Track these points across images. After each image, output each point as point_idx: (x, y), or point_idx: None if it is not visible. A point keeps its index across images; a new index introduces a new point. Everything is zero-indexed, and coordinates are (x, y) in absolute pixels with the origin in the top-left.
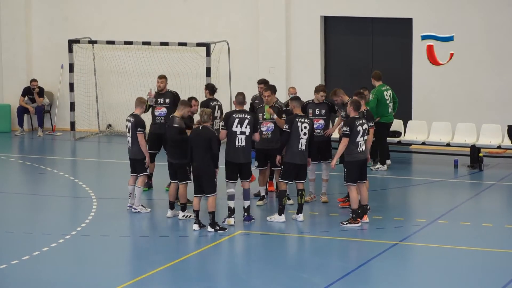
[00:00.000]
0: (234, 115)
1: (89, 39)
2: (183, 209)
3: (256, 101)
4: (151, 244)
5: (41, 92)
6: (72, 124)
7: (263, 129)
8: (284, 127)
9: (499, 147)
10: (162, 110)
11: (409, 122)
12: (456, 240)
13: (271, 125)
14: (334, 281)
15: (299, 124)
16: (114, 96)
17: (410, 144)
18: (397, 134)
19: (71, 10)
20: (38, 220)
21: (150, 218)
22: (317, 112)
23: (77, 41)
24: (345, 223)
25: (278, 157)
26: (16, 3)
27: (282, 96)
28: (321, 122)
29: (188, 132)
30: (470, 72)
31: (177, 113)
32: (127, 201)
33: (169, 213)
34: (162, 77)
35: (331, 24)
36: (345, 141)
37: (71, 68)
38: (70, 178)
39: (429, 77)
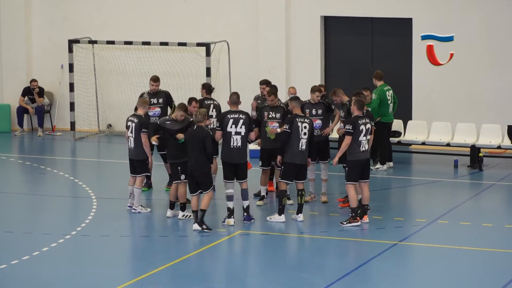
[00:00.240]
0: (228, 116)
1: (89, 39)
2: (183, 208)
3: (258, 101)
4: (151, 244)
5: (41, 92)
6: (72, 124)
7: (271, 127)
8: (284, 127)
9: (499, 147)
10: (156, 110)
11: (409, 122)
12: (456, 240)
13: (276, 125)
14: (334, 281)
15: (299, 124)
16: (114, 96)
17: (410, 144)
18: (397, 134)
19: (71, 10)
20: (38, 220)
21: (150, 218)
22: (313, 112)
23: (77, 41)
24: (345, 223)
25: (279, 157)
26: (16, 3)
27: (282, 96)
28: (318, 122)
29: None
30: (470, 72)
31: (172, 115)
32: (127, 201)
33: (169, 213)
34: (157, 80)
35: (331, 24)
36: (348, 139)
37: (71, 68)
38: (70, 178)
39: (429, 77)
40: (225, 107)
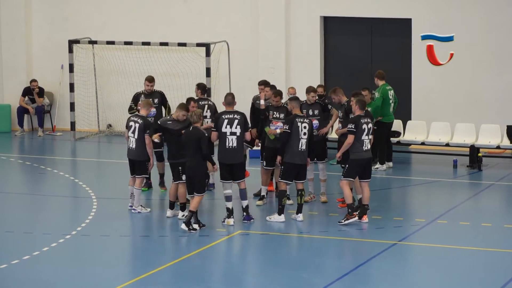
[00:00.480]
0: (223, 116)
1: (89, 39)
2: (183, 208)
3: (257, 101)
4: (151, 244)
5: (41, 92)
6: (72, 124)
7: (272, 127)
8: (284, 127)
9: (498, 147)
10: (152, 110)
11: (409, 122)
12: (455, 240)
13: (280, 125)
14: (333, 280)
15: (299, 124)
16: (114, 96)
17: (410, 144)
18: (396, 134)
19: (71, 11)
20: (38, 220)
21: (149, 218)
22: (310, 112)
23: (77, 41)
24: (343, 221)
25: (279, 158)
26: (16, 3)
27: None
28: (315, 122)
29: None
30: (470, 72)
31: (174, 115)
32: (127, 201)
33: (169, 212)
34: (152, 81)
35: (330, 25)
36: (350, 138)
37: (71, 68)
38: (70, 178)
39: (429, 77)
40: (221, 108)
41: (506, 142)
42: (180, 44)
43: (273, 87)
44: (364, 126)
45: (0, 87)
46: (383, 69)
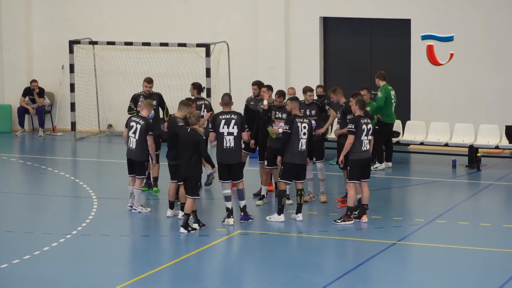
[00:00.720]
0: (220, 117)
1: (89, 40)
2: (183, 208)
3: (251, 102)
4: (151, 243)
5: (41, 92)
6: (73, 124)
7: (275, 127)
8: (284, 127)
9: (497, 147)
10: (150, 112)
11: (408, 123)
12: (454, 240)
13: (282, 125)
14: (332, 280)
15: (299, 124)
16: (115, 97)
17: (409, 144)
18: (395, 134)
19: (72, 11)
20: (39, 219)
21: (150, 218)
22: (307, 112)
23: (77, 41)
24: (338, 221)
25: (279, 158)
26: (16, 4)
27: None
28: (312, 122)
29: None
30: (468, 73)
31: (179, 114)
32: (127, 201)
33: (169, 212)
34: (151, 82)
35: (330, 25)
36: (350, 138)
37: (71, 68)
38: (70, 178)
39: (428, 77)
40: (217, 106)
41: (505, 142)
42: (180, 45)
43: (269, 87)
44: (364, 126)
45: (1, 87)
46: (382, 69)
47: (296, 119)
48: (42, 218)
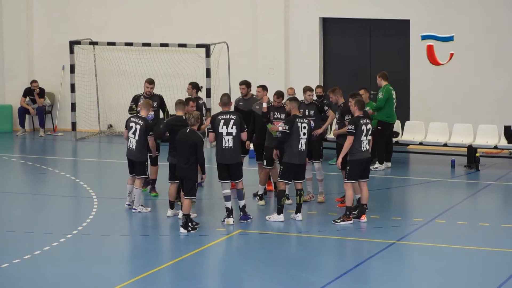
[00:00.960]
0: (219, 117)
1: (90, 41)
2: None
3: (240, 103)
4: (151, 243)
5: (42, 93)
6: (73, 125)
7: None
8: (284, 127)
9: (495, 147)
10: (150, 113)
11: (407, 123)
12: (453, 239)
13: (281, 124)
14: (332, 280)
15: (299, 124)
16: (115, 97)
17: (408, 145)
18: (395, 134)
19: (72, 12)
20: (39, 219)
21: (150, 218)
22: (306, 112)
23: (78, 42)
24: (338, 221)
25: (275, 151)
26: (17, 5)
27: None
28: (311, 122)
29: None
30: (467, 73)
31: (179, 114)
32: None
33: (169, 212)
34: (152, 83)
35: (329, 26)
36: (350, 139)
37: (72, 69)
38: (71, 178)
39: (427, 78)
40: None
41: (503, 142)
42: (180, 45)
43: (264, 87)
44: (364, 127)
45: (2, 88)
46: (381, 70)
47: (297, 120)
48: (42, 217)
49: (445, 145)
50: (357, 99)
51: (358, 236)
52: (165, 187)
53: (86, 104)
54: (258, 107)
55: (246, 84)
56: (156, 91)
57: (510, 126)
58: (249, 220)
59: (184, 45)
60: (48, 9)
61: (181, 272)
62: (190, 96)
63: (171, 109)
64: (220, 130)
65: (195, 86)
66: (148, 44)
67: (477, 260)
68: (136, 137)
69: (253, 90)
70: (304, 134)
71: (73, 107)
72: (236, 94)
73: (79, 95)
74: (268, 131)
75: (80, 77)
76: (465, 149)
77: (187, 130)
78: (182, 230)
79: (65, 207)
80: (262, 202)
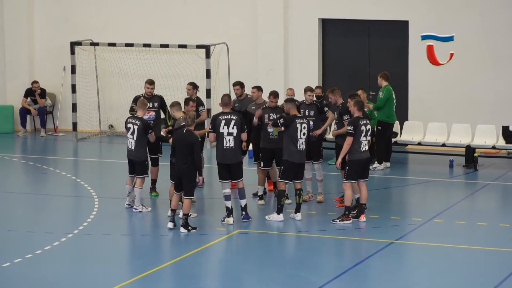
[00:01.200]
0: (221, 117)
1: (90, 41)
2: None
3: (236, 104)
4: (151, 242)
5: (43, 93)
6: (74, 125)
7: (270, 130)
8: (283, 128)
9: (493, 147)
10: (151, 114)
11: (405, 123)
12: (451, 239)
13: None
14: (331, 279)
15: (298, 125)
16: (115, 97)
17: (407, 145)
18: (393, 134)
19: (73, 13)
20: (40, 219)
21: (150, 217)
22: (306, 113)
23: (79, 43)
24: (337, 221)
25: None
26: (18, 6)
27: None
28: (310, 122)
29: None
30: (465, 74)
31: (178, 115)
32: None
33: (170, 212)
34: (153, 83)
35: (328, 27)
36: (349, 140)
37: (73, 69)
38: (72, 177)
39: (425, 78)
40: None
41: (501, 142)
42: (180, 46)
43: (259, 88)
44: (363, 127)
45: (3, 89)
46: (380, 70)
47: (296, 120)
48: (43, 217)
49: (444, 145)
50: (356, 100)
51: (357, 236)
52: (165, 187)
53: (87, 105)
54: (253, 107)
55: (240, 84)
56: (156, 91)
57: (508, 126)
58: (249, 219)
59: (184, 46)
60: (49, 10)
61: (181, 271)
62: (190, 96)
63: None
64: (221, 130)
65: (195, 86)
66: (148, 45)
67: (476, 259)
68: (135, 138)
69: (249, 91)
70: (304, 134)
71: (74, 107)
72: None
73: (80, 95)
74: (263, 133)
75: (81, 78)
76: (464, 149)
77: (184, 131)
78: (182, 229)
79: (66, 207)
80: (261, 202)
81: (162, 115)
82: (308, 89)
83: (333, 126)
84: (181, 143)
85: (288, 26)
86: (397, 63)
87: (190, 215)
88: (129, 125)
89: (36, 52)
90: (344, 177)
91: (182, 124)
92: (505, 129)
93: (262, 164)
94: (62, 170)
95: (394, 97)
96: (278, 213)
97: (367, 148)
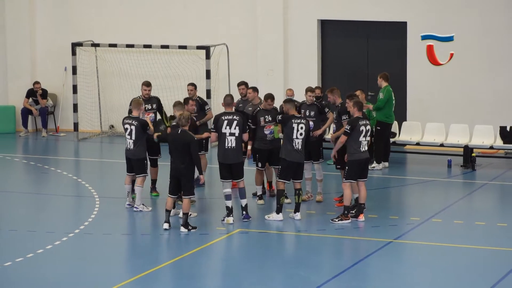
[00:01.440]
0: (223, 117)
1: (91, 42)
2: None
3: (240, 105)
4: (152, 242)
5: (44, 94)
6: (75, 125)
7: (266, 132)
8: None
9: (491, 148)
10: (151, 116)
11: (404, 123)
12: (449, 238)
13: (273, 128)
14: (330, 278)
15: (295, 125)
16: (116, 98)
17: (405, 145)
18: (392, 134)
19: (74, 14)
20: (42, 218)
21: (151, 217)
22: (307, 113)
23: (80, 44)
24: (336, 220)
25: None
26: (20, 8)
27: (280, 98)
28: (310, 123)
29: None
30: (464, 74)
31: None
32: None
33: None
34: (150, 85)
35: (327, 27)
36: (343, 138)
37: (74, 70)
38: (73, 177)
39: (424, 79)
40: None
41: (499, 142)
42: (180, 47)
43: (255, 89)
44: (362, 128)
45: (5, 89)
46: (379, 71)
47: (292, 120)
48: (45, 217)
49: (442, 145)
50: (355, 100)
51: (356, 235)
52: (166, 186)
53: (88, 105)
54: (250, 108)
55: (245, 84)
56: (156, 92)
57: (506, 127)
58: (249, 219)
59: (184, 47)
60: (50, 11)
61: (182, 270)
62: (191, 97)
63: (169, 111)
64: (223, 130)
65: (196, 87)
66: (149, 46)
67: (474, 258)
68: (133, 137)
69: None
70: (300, 134)
71: (75, 108)
72: (235, 95)
73: (81, 96)
74: (259, 134)
75: (82, 79)
76: (462, 149)
77: (179, 131)
78: (182, 229)
79: (67, 207)
80: (261, 202)
81: (158, 116)
82: (308, 90)
83: (333, 126)
84: (177, 143)
85: (287, 27)
86: (395, 63)
87: (190, 214)
88: (126, 125)
89: (38, 53)
90: (344, 177)
91: (173, 124)
92: (502, 129)
93: (260, 165)
94: (63, 170)
95: (393, 97)
96: (278, 212)
97: (366, 148)
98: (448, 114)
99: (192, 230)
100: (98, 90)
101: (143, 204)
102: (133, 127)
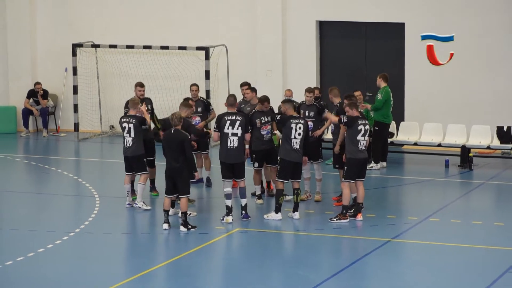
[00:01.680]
0: (226, 117)
1: (92, 43)
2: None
3: (242, 105)
4: (152, 241)
5: (45, 94)
6: (76, 125)
7: (263, 132)
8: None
9: (488, 148)
10: (138, 110)
11: (401, 123)
12: (447, 237)
13: (269, 128)
14: (328, 277)
15: (293, 125)
16: (116, 98)
17: (403, 145)
18: (390, 134)
19: (75, 15)
20: (42, 218)
21: (151, 216)
22: (306, 113)
23: (80, 45)
24: (334, 219)
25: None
26: (21, 9)
27: (279, 98)
28: (310, 123)
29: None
30: (461, 75)
31: (184, 115)
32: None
33: (170, 211)
34: (143, 86)
35: (326, 28)
36: (343, 128)
37: (74, 71)
38: (73, 177)
39: (421, 79)
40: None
41: (496, 142)
42: (180, 48)
43: (253, 89)
44: (361, 127)
45: (6, 90)
46: (377, 71)
47: (291, 120)
48: (45, 216)
49: (439, 145)
50: (350, 102)
51: (354, 234)
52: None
53: (89, 106)
54: (248, 109)
55: (248, 85)
56: (156, 92)
57: (503, 127)
58: (248, 219)
59: (184, 48)
60: (51, 12)
61: (181, 269)
62: (193, 98)
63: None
64: (226, 130)
65: (198, 87)
66: (148, 47)
67: (471, 257)
68: (132, 135)
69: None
70: (299, 134)
71: (75, 108)
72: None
73: (81, 96)
74: (255, 136)
75: (82, 79)
76: (459, 149)
77: (172, 131)
78: (182, 228)
79: (67, 206)
80: (260, 201)
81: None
82: (307, 90)
83: (331, 127)
84: (171, 143)
85: (286, 28)
86: (393, 64)
87: (190, 214)
88: (124, 124)
89: (38, 54)
90: (343, 176)
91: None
92: (499, 129)
93: (256, 164)
94: (64, 170)
95: (391, 98)
96: (276, 212)
97: (365, 147)
98: (446, 114)
99: (191, 229)
100: (99, 91)
101: (143, 202)
102: (131, 125)
